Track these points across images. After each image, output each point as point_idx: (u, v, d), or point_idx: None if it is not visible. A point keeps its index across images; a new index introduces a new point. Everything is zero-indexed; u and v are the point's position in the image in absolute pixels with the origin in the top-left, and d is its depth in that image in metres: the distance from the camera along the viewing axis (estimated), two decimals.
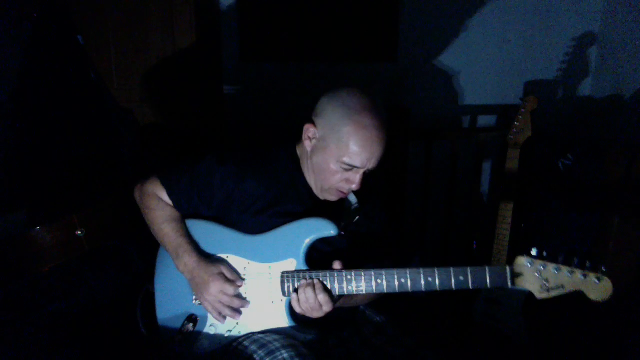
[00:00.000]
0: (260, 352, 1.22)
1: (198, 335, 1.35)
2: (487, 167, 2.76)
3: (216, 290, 1.28)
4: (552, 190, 2.20)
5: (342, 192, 1.31)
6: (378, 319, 1.46)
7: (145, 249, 1.57)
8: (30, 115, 1.47)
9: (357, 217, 1.39)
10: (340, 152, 1.24)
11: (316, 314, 1.23)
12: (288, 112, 2.66)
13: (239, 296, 1.31)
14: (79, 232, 1.46)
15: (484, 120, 2.74)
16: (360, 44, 2.62)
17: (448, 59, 2.66)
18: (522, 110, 1.92)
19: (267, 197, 1.33)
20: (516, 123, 1.93)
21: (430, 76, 2.68)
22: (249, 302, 1.32)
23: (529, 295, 1.88)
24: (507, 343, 2.00)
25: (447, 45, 2.64)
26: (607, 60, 2.54)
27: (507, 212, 1.96)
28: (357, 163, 1.24)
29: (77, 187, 1.54)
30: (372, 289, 1.22)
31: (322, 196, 1.36)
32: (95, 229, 1.50)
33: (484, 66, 2.65)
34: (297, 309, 1.25)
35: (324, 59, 2.63)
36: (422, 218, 2.48)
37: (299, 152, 1.39)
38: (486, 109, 2.72)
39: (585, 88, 2.67)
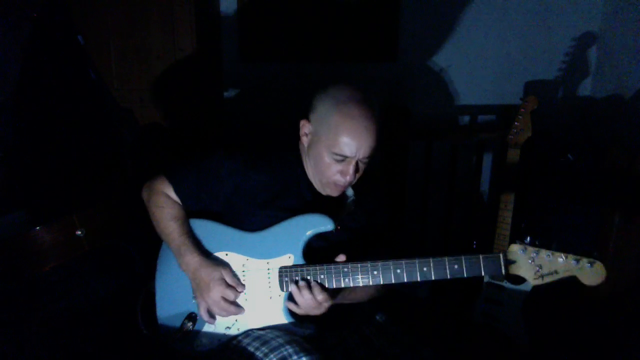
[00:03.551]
0: (263, 348, 1.23)
1: (197, 333, 1.36)
2: (487, 167, 2.76)
3: (217, 294, 1.29)
4: (552, 191, 2.20)
5: (340, 185, 1.32)
6: (379, 318, 1.46)
7: (145, 249, 1.57)
8: (30, 115, 1.47)
9: (352, 208, 1.40)
10: (330, 142, 1.26)
11: (316, 311, 1.25)
12: (288, 112, 2.65)
13: (236, 303, 1.32)
14: (79, 232, 1.47)
15: (484, 120, 2.74)
16: (360, 43, 2.62)
17: (448, 58, 2.66)
18: (522, 110, 1.92)
19: (269, 191, 1.35)
20: (516, 123, 1.93)
21: (430, 76, 2.68)
22: (243, 309, 1.33)
23: (529, 295, 1.89)
24: (507, 343, 2.00)
25: (447, 45, 2.64)
26: (607, 60, 2.54)
27: (506, 212, 1.96)
28: (346, 152, 1.26)
29: (77, 187, 1.54)
30: (369, 280, 1.23)
31: (324, 192, 1.37)
32: (95, 229, 1.50)
33: (484, 66, 2.65)
34: (298, 311, 1.26)
35: (324, 59, 2.63)
36: (422, 218, 2.48)
37: (300, 148, 1.41)
38: (486, 109, 2.72)
39: (585, 88, 2.66)
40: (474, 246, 2.19)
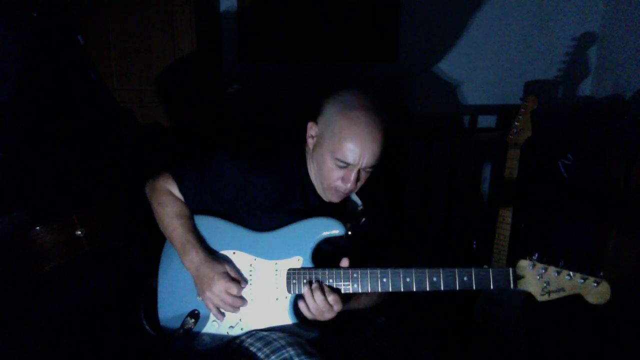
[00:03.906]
0: (265, 349, 1.22)
1: (199, 331, 1.36)
2: (487, 167, 2.76)
3: (220, 288, 1.28)
4: (552, 192, 2.20)
5: (340, 192, 1.31)
6: (379, 320, 1.46)
7: (145, 249, 1.57)
8: (30, 116, 1.46)
9: (363, 219, 1.39)
10: (333, 147, 1.25)
11: (328, 315, 1.24)
12: (288, 112, 2.66)
13: (241, 296, 1.32)
14: (79, 232, 1.46)
15: (484, 120, 2.74)
16: (360, 43, 2.62)
17: (448, 59, 2.66)
18: (522, 110, 1.92)
19: (275, 194, 1.34)
20: (516, 123, 1.93)
21: (430, 76, 2.68)
22: (247, 301, 1.32)
23: (529, 295, 1.88)
24: (507, 343, 2.00)
25: (447, 45, 2.65)
26: (607, 60, 2.54)
27: (507, 212, 1.96)
28: (349, 159, 1.24)
29: (77, 187, 1.53)
30: (378, 287, 1.22)
31: (325, 197, 1.36)
32: (95, 229, 1.49)
33: (484, 66, 2.66)
34: (308, 315, 1.25)
35: (324, 58, 2.63)
36: (422, 218, 2.48)
37: (306, 151, 1.40)
38: (486, 109, 2.72)
39: (585, 88, 2.67)
40: (474, 246, 2.19)
